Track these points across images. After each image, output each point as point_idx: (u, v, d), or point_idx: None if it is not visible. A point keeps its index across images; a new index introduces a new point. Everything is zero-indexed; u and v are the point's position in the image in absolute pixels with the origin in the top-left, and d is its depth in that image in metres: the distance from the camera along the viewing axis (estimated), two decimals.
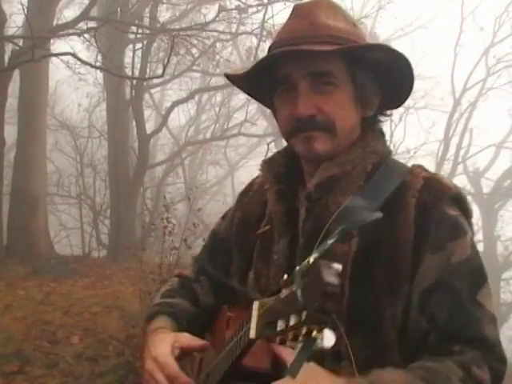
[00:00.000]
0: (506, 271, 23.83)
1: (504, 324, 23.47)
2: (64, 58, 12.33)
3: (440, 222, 1.58)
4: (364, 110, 1.71)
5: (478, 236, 24.75)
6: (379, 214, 1.50)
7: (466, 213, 1.64)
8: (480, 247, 24.06)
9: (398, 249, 1.58)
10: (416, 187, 1.63)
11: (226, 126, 19.64)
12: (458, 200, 1.64)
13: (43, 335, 6.80)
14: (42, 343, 6.54)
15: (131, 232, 13.70)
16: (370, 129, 1.76)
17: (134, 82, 13.66)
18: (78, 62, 10.62)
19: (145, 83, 15.18)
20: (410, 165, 1.74)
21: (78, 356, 6.20)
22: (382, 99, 1.73)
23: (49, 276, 9.83)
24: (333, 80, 1.64)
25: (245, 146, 27.02)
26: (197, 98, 20.51)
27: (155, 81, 17.66)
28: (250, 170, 20.77)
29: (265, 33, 13.90)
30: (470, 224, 1.65)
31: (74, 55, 9.36)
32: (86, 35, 11.41)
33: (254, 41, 15.37)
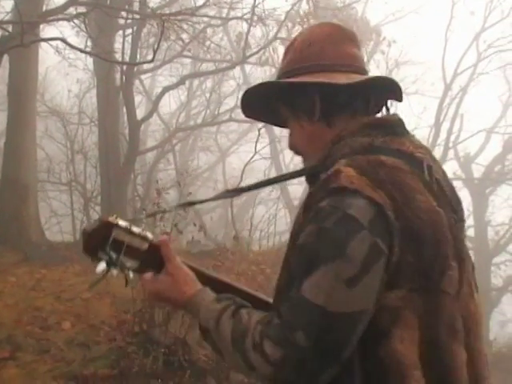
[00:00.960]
0: (496, 256, 23.94)
1: (494, 309, 23.62)
2: (53, 43, 12.28)
3: (310, 211, 1.63)
4: (310, 120, 1.90)
5: (469, 221, 24.81)
6: None
7: (341, 206, 1.57)
8: (471, 232, 24.22)
9: (291, 235, 1.73)
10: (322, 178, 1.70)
11: (216, 112, 19.63)
12: (337, 193, 1.60)
13: (34, 321, 6.80)
14: (33, 329, 6.53)
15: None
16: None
17: (124, 67, 13.60)
18: (68, 48, 10.57)
19: (135, 69, 15.12)
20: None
21: (69, 342, 6.20)
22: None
23: (40, 263, 9.82)
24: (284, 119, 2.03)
25: (236, 131, 27.04)
26: (187, 83, 20.46)
27: (145, 66, 17.64)
28: (240, 156, 20.77)
29: (255, 18, 13.87)
30: (348, 218, 1.55)
31: (63, 40, 9.29)
32: (75, 21, 11.33)
33: (245, 26, 15.35)
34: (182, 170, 17.04)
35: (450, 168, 23.45)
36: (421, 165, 1.71)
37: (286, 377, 1.53)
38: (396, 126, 1.84)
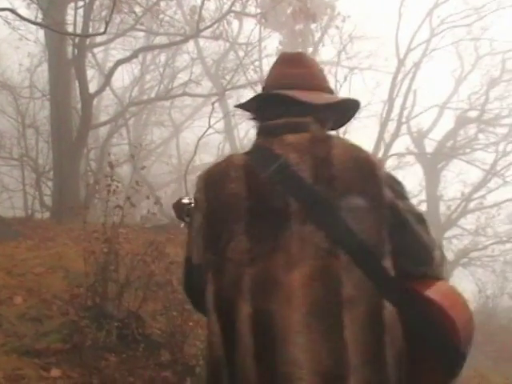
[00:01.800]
0: (448, 230, 24.26)
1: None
2: (3, 14, 12.05)
3: None
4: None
5: (421, 196, 25.13)
6: None
7: None
8: (423, 207, 24.49)
9: None
10: None
11: (170, 87, 19.49)
12: None
13: None
14: None
15: (75, 193, 13.54)
16: None
17: (76, 40, 13.40)
18: (18, 19, 10.37)
19: (87, 42, 14.92)
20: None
21: (21, 316, 6.12)
22: None
23: None
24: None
25: (190, 106, 26.93)
26: (141, 58, 20.28)
27: (98, 40, 17.41)
28: (195, 131, 20.66)
29: None
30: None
31: (12, 11, 9.12)
32: None
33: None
34: (135, 144, 16.90)
35: (403, 143, 23.68)
36: (276, 159, 2.16)
37: None
38: (275, 129, 2.28)
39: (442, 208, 24.72)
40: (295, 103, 2.30)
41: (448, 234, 24.32)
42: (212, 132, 15.49)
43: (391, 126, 20.04)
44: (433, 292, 2.16)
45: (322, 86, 2.43)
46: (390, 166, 24.58)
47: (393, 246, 2.12)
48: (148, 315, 6.36)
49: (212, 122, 14.00)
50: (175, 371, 5.62)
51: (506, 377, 11.50)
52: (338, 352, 1.99)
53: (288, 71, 2.42)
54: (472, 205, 24.81)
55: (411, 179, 26.02)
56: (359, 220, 2.08)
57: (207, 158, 23.74)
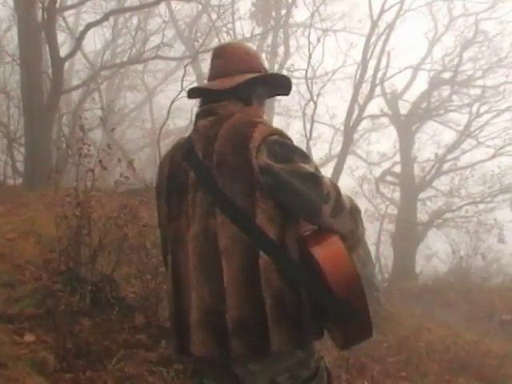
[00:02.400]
0: (422, 192, 24.40)
1: (421, 243, 24.16)
2: None
3: None
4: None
5: (396, 158, 25.20)
6: None
7: None
8: (397, 169, 24.61)
9: None
10: None
11: (142, 50, 19.29)
12: None
13: None
14: None
15: (47, 159, 13.41)
16: None
17: (46, 2, 13.18)
18: None
19: (57, 4, 14.68)
20: None
21: None
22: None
23: None
24: None
25: (163, 70, 26.71)
26: (112, 21, 19.98)
27: (69, 3, 17.15)
28: (168, 95, 20.49)
29: None
30: None
31: None
32: None
33: None
34: (108, 109, 16.75)
35: (377, 105, 23.68)
36: (189, 142, 2.84)
37: None
38: (196, 116, 2.90)
39: (416, 170, 24.82)
40: (210, 92, 2.92)
41: (422, 195, 24.47)
42: (185, 95, 15.33)
43: (365, 88, 19.99)
44: (317, 246, 2.63)
45: (239, 70, 2.91)
46: (364, 127, 24.68)
47: (277, 202, 2.63)
48: (122, 279, 6.36)
49: (185, 85, 13.91)
50: (150, 334, 5.62)
51: (478, 334, 11.65)
52: (217, 292, 2.61)
53: (214, 63, 3.01)
54: (446, 166, 24.92)
55: (385, 141, 26.11)
56: (230, 186, 2.63)
57: (181, 122, 23.63)
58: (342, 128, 20.29)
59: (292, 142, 2.78)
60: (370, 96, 18.82)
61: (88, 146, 6.67)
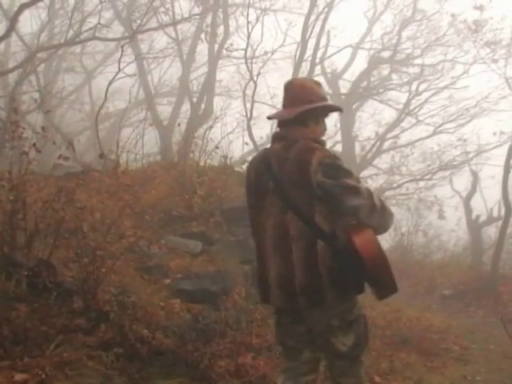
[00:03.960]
0: (363, 170, 24.61)
1: None
2: None
3: None
4: None
5: (337, 137, 25.32)
6: None
7: None
8: (339, 148, 24.74)
9: None
10: None
11: (80, 31, 18.93)
12: None
13: None
14: None
15: None
16: None
17: None
18: None
19: None
20: None
21: None
22: None
23: None
24: None
25: (102, 52, 26.35)
26: (48, 1, 19.57)
27: None
28: (107, 77, 20.17)
29: None
30: None
31: None
32: None
33: None
34: (45, 91, 16.44)
35: None
36: (267, 159, 4.18)
37: None
38: (271, 139, 4.28)
39: (357, 148, 24.99)
40: (280, 121, 4.31)
41: (363, 173, 24.66)
42: (123, 76, 15.15)
43: (305, 68, 19.96)
44: (356, 236, 3.93)
45: (300, 99, 4.18)
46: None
47: (330, 207, 3.95)
48: (59, 263, 6.25)
49: (124, 66, 13.73)
50: (89, 318, 5.56)
51: (419, 310, 11.83)
52: (288, 266, 4.03)
53: (284, 95, 4.31)
54: (386, 144, 25.16)
55: (326, 120, 26.17)
56: (297, 194, 4.00)
57: (122, 104, 23.39)
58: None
59: (340, 162, 4.01)
60: (309, 75, 18.75)
61: (22, 128, 6.52)
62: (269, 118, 4.59)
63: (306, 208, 3.97)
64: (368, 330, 4.19)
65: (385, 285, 4.01)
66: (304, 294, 3.98)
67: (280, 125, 4.28)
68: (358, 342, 4.09)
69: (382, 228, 4.19)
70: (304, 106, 4.10)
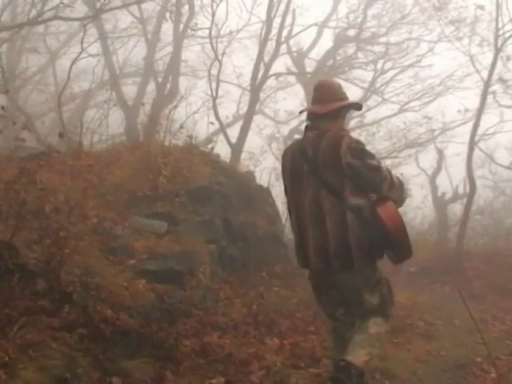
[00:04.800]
0: None
1: None
2: None
3: None
4: None
5: (303, 116, 25.19)
6: None
7: None
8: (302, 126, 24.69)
9: None
10: None
11: (42, 11, 18.68)
12: None
13: None
14: None
15: None
16: None
17: None
18: None
19: None
20: None
21: None
22: None
23: None
24: None
25: (66, 32, 26.01)
26: None
27: None
28: (71, 57, 19.95)
29: None
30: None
31: None
32: None
33: None
34: (9, 73, 16.23)
35: (283, 63, 23.66)
36: (302, 145, 5.14)
37: None
38: (305, 129, 5.23)
39: None
40: (312, 115, 5.26)
41: None
42: (86, 56, 15.00)
43: (270, 46, 19.88)
44: (380, 207, 4.85)
45: (329, 98, 5.19)
46: (271, 86, 24.63)
47: (357, 185, 4.89)
48: (22, 245, 6.17)
49: (87, 46, 13.60)
50: (52, 299, 5.52)
51: None
52: (323, 235, 4.89)
53: (316, 93, 5.29)
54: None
55: (293, 99, 26.18)
56: (329, 174, 4.90)
57: (87, 85, 23.16)
58: (249, 87, 20.19)
59: (364, 145, 5.02)
60: (275, 54, 18.72)
61: None
62: (301, 112, 5.74)
63: (337, 185, 4.89)
64: (391, 291, 5.20)
65: (404, 249, 4.95)
66: (337, 258, 4.86)
67: (311, 118, 5.26)
68: (384, 302, 5.08)
69: (400, 200, 5.19)
70: (334, 104, 5.16)
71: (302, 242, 5.07)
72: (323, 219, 4.89)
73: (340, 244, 4.83)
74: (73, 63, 13.71)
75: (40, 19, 17.79)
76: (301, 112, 5.71)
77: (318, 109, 5.16)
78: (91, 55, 15.94)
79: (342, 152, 4.82)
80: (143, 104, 17.59)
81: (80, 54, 13.39)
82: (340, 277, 4.95)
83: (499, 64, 18.23)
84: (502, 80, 19.57)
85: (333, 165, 4.87)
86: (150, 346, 5.68)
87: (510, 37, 17.41)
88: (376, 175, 4.91)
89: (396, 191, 5.06)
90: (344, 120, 5.41)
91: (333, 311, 5.28)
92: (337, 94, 5.26)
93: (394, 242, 4.83)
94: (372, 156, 4.97)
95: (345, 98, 5.32)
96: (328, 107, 5.11)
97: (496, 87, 19.73)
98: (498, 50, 17.09)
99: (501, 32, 17.25)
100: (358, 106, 5.71)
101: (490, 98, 19.31)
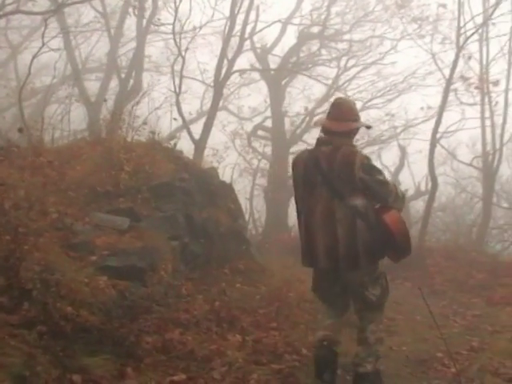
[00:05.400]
0: (293, 146, 24.70)
1: (292, 197, 24.48)
2: None
3: None
4: None
5: (267, 112, 25.36)
6: None
7: None
8: (268, 123, 24.80)
9: None
10: None
11: (3, 4, 18.46)
12: None
13: None
14: None
15: None
16: None
17: None
18: None
19: None
20: None
21: None
22: None
23: None
24: None
25: (28, 27, 25.79)
26: None
27: None
28: (33, 52, 19.77)
29: None
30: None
31: None
32: None
33: None
34: None
35: (247, 59, 23.66)
36: (316, 157, 5.67)
37: None
38: (318, 143, 5.77)
39: (287, 124, 25.03)
40: (328, 130, 5.77)
41: (293, 149, 24.74)
42: (47, 50, 14.84)
43: (234, 42, 19.84)
44: (386, 215, 5.58)
45: (347, 117, 5.77)
46: (235, 82, 24.60)
47: (368, 196, 5.55)
48: None
49: (46, 40, 13.43)
50: (11, 296, 5.45)
51: None
52: (334, 239, 5.48)
53: (333, 110, 5.84)
54: (316, 119, 25.24)
55: (256, 96, 26.18)
56: (343, 187, 5.49)
57: (49, 80, 22.95)
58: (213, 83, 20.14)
59: (371, 161, 5.70)
60: (239, 50, 18.69)
61: None
62: (318, 125, 6.38)
63: (349, 196, 5.54)
64: (388, 283, 5.93)
65: (405, 249, 5.74)
66: (345, 259, 5.53)
67: (327, 132, 5.81)
68: (384, 292, 5.85)
69: (401, 209, 5.94)
70: (351, 124, 5.83)
71: (310, 244, 5.72)
72: (334, 226, 5.55)
73: (349, 248, 5.52)
74: (34, 58, 13.55)
75: (1, 13, 17.58)
76: (315, 125, 6.92)
77: (336, 126, 5.74)
78: (53, 50, 15.77)
79: (356, 168, 5.48)
80: (105, 100, 17.45)
81: (41, 48, 13.23)
82: (346, 274, 5.70)
83: (461, 62, 18.47)
84: (463, 78, 19.80)
85: (347, 178, 5.51)
86: (111, 343, 5.62)
87: (471, 35, 17.62)
88: (383, 189, 5.65)
89: (398, 202, 5.83)
90: (354, 137, 6.06)
91: (331, 301, 6.01)
92: (353, 114, 5.88)
93: (398, 244, 5.63)
94: (380, 172, 5.73)
95: (359, 118, 5.97)
96: (345, 126, 5.77)
97: (458, 85, 20.00)
98: (459, 49, 17.27)
99: (462, 30, 17.51)
100: (368, 127, 6.86)
101: (451, 95, 19.60)
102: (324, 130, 5.87)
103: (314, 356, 6.03)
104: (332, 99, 6.47)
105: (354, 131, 5.97)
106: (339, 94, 24.19)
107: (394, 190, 5.75)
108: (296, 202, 5.98)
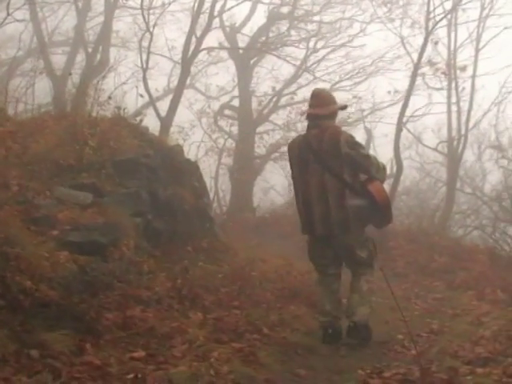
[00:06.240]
0: (260, 126, 24.67)
1: (258, 177, 24.52)
2: None
3: None
4: None
5: (234, 92, 25.24)
6: None
7: None
8: (236, 103, 24.70)
9: None
10: None
11: None
12: None
13: None
14: None
15: None
16: None
17: None
18: None
19: None
20: None
21: None
22: None
23: None
24: None
25: None
26: None
27: None
28: None
29: None
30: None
31: None
32: None
33: None
34: None
35: (216, 38, 23.49)
36: (307, 139, 6.93)
37: None
38: (308, 127, 7.04)
39: (254, 104, 24.93)
40: (315, 116, 6.93)
41: (260, 129, 24.75)
42: (12, 21, 14.58)
43: (203, 20, 19.65)
44: (371, 185, 6.74)
45: (327, 102, 6.95)
46: (202, 60, 24.41)
47: (354, 169, 6.71)
48: None
49: (11, 11, 13.19)
50: None
51: (310, 265, 11.98)
52: (327, 208, 6.68)
53: (313, 99, 7.02)
54: (283, 100, 25.24)
55: (224, 75, 26.04)
56: (332, 162, 6.67)
57: (13, 52, 22.59)
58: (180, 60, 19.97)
59: (355, 139, 6.88)
60: (207, 28, 18.53)
61: None
62: (303, 114, 7.82)
63: (337, 169, 6.65)
64: (376, 246, 7.16)
65: (386, 217, 7.06)
66: (337, 224, 6.67)
67: (313, 118, 6.97)
68: (371, 254, 7.03)
69: (383, 179, 7.13)
70: (333, 107, 7.02)
71: (308, 214, 6.88)
72: (326, 196, 6.68)
73: (340, 214, 6.64)
74: None
75: None
76: (302, 115, 7.96)
77: (321, 111, 6.89)
78: (18, 20, 15.51)
79: (341, 145, 6.65)
80: (71, 73, 17.24)
81: (5, 18, 12.99)
82: (338, 238, 6.82)
83: (429, 47, 18.55)
84: (431, 63, 19.90)
85: (334, 154, 6.67)
86: (70, 319, 5.56)
87: (440, 20, 17.70)
88: (366, 161, 6.80)
89: (380, 173, 6.98)
90: (336, 118, 7.27)
91: (324, 267, 7.18)
92: (331, 98, 7.13)
93: (381, 211, 6.82)
94: (363, 147, 7.01)
95: (336, 101, 7.20)
96: (328, 109, 6.93)
97: (425, 69, 20.09)
98: (428, 33, 17.32)
99: (432, 15, 17.55)
100: (345, 107, 8.14)
101: (419, 80, 19.71)
102: (311, 117, 7.02)
103: (321, 336, 7.08)
104: (309, 88, 7.25)
105: (336, 112, 7.15)
106: (307, 75, 24.32)
107: (376, 163, 6.91)
108: (293, 180, 7.25)
